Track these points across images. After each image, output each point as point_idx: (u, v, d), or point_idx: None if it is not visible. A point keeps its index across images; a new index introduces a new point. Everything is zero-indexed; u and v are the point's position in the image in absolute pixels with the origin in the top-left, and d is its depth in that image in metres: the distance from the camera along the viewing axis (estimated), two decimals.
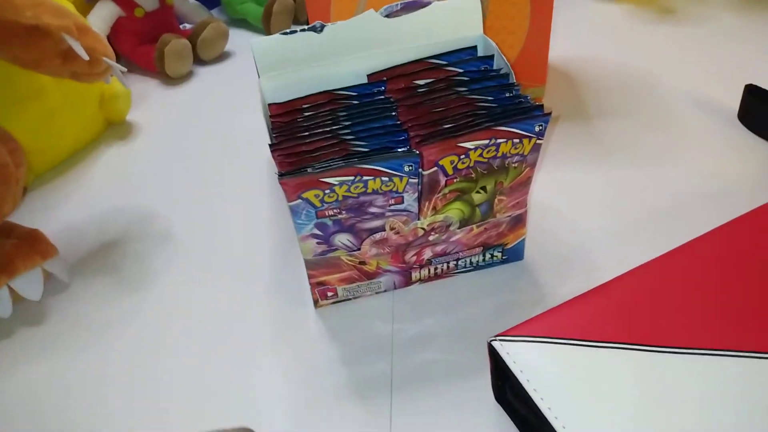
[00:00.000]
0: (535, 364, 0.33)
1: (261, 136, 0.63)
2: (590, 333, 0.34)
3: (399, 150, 0.35)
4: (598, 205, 0.50)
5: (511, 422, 0.36)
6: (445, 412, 0.37)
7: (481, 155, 0.36)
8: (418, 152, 0.35)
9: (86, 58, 0.44)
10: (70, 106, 0.59)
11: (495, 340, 0.34)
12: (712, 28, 0.72)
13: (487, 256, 0.44)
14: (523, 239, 0.44)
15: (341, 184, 0.35)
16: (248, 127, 0.65)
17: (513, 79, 0.39)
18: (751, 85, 0.56)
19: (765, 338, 0.33)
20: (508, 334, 0.34)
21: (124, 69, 0.48)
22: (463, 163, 0.36)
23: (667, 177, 0.52)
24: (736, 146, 0.55)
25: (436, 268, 0.44)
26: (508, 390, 0.35)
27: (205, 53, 0.76)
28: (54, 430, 0.38)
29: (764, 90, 0.55)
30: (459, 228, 0.41)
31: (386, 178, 0.35)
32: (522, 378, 0.32)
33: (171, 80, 0.74)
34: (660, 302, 0.35)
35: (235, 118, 0.66)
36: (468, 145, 0.35)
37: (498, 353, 0.34)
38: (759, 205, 0.41)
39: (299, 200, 0.35)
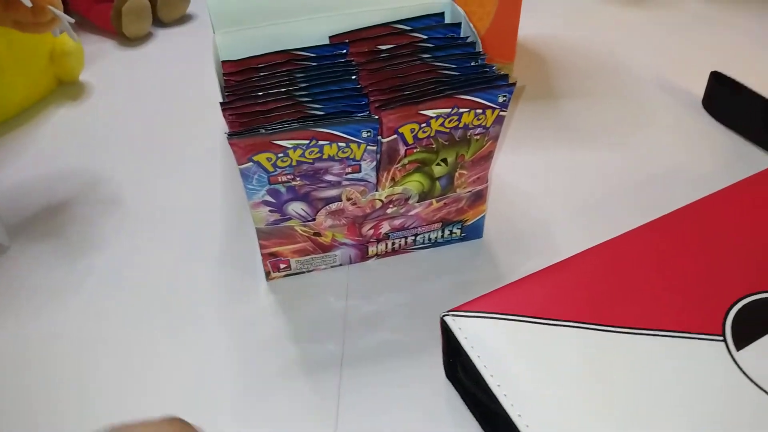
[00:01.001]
0: (486, 341, 0.32)
1: (218, 101, 0.61)
2: (544, 311, 0.33)
3: (357, 115, 0.33)
4: (558, 185, 0.49)
5: (460, 399, 0.35)
6: (395, 390, 0.36)
7: (442, 125, 0.35)
8: (377, 117, 0.33)
9: (29, 5, 0.41)
10: (17, 61, 0.56)
11: (447, 315, 0.33)
12: (681, 13, 0.72)
13: (446, 232, 0.43)
14: (483, 216, 0.43)
15: (295, 147, 0.33)
16: (206, 92, 0.62)
17: (479, 48, 0.38)
18: (716, 72, 0.56)
19: (716, 321, 0.33)
20: (461, 309, 0.33)
21: (72, 20, 0.45)
22: (423, 132, 0.35)
23: (628, 159, 0.51)
24: (698, 132, 0.55)
25: (393, 243, 0.42)
26: (458, 367, 0.35)
27: (166, 14, 0.73)
28: None
29: (729, 78, 0.55)
30: (418, 201, 0.40)
31: (343, 144, 0.34)
32: (473, 354, 0.31)
33: (128, 41, 0.71)
34: (614, 282, 0.35)
35: (193, 83, 0.64)
36: (429, 113, 0.34)
37: (450, 328, 0.33)
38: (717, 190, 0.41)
39: (250, 163, 0.33)
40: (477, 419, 0.34)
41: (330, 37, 0.40)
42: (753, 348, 0.32)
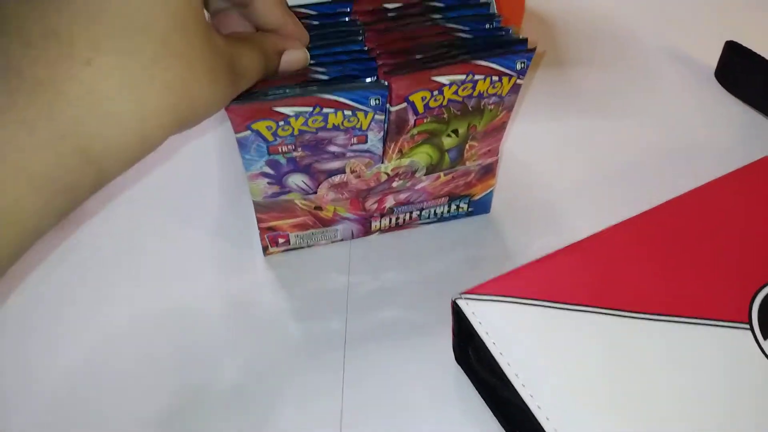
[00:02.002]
0: (501, 325, 0.30)
1: None
2: (561, 295, 0.31)
3: (366, 80, 0.31)
4: (567, 157, 0.47)
5: (470, 384, 0.33)
6: (401, 371, 0.34)
7: (456, 93, 0.32)
8: (386, 83, 0.30)
9: None
10: None
11: (460, 298, 0.31)
12: None
13: (453, 207, 0.41)
14: (492, 191, 0.41)
15: (297, 115, 0.31)
16: None
17: (494, 9, 0.35)
18: (731, 41, 0.54)
19: (742, 308, 0.31)
20: (474, 292, 0.31)
21: None
22: (435, 100, 0.32)
23: (639, 132, 0.49)
24: (711, 105, 0.52)
25: (397, 218, 0.40)
26: (470, 351, 0.33)
27: None
28: None
29: (745, 48, 0.52)
30: (425, 175, 0.37)
31: (349, 113, 0.31)
32: (488, 340, 0.30)
33: None
34: (632, 266, 0.33)
35: None
36: (443, 79, 0.31)
37: (462, 312, 0.31)
38: (736, 167, 0.39)
39: (248, 132, 0.31)
40: (487, 404, 0.32)
41: None
42: None
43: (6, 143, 0.19)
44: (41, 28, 0.20)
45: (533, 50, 0.32)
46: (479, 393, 0.33)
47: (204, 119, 0.25)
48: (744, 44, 0.52)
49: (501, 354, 0.29)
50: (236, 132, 0.31)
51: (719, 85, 0.55)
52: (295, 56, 0.30)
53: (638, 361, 0.29)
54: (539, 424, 0.27)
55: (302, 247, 0.40)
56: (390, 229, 0.41)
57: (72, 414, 0.32)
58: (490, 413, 0.32)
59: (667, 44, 0.59)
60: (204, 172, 0.46)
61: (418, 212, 0.40)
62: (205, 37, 0.23)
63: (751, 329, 0.30)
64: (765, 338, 0.30)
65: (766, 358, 0.29)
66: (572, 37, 0.59)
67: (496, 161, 0.39)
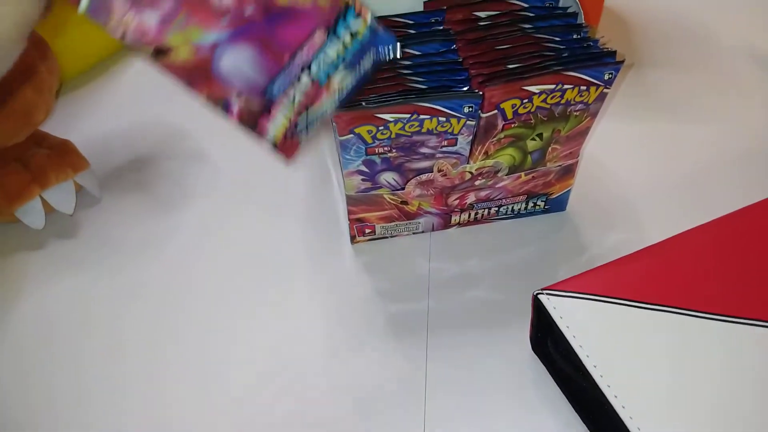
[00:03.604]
0: (581, 321, 0.32)
1: None
2: (640, 294, 0.33)
3: (461, 89, 0.33)
4: (644, 160, 0.48)
5: (546, 372, 0.36)
6: (480, 354, 0.37)
7: (544, 101, 0.34)
8: (481, 93, 0.33)
9: None
10: (89, 48, 0.57)
11: (542, 293, 0.34)
12: None
13: (530, 204, 0.43)
14: (569, 190, 0.43)
15: (396, 121, 0.33)
16: None
17: (582, 19, 0.37)
18: None
19: None
20: (555, 288, 0.34)
21: None
22: (524, 107, 0.34)
23: (717, 136, 0.50)
24: None
25: (476, 213, 0.43)
26: (549, 343, 0.35)
27: None
28: (73, 348, 0.38)
29: None
30: (507, 174, 0.40)
31: (443, 119, 0.34)
32: (568, 333, 0.32)
33: None
34: (712, 268, 0.34)
35: None
36: (533, 89, 0.33)
37: (544, 306, 0.33)
38: None
39: (351, 135, 0.34)
40: (563, 392, 0.35)
41: (425, 3, 0.39)
42: None
43: None
44: None
45: (622, 62, 0.33)
46: (555, 381, 0.35)
47: None
48: None
49: (581, 347, 0.31)
50: (340, 135, 0.34)
51: None
52: None
53: (710, 360, 0.31)
54: (615, 412, 0.29)
55: (386, 237, 0.43)
56: (468, 223, 0.43)
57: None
58: (565, 400, 0.35)
59: (747, 44, 0.58)
60: (292, 167, 0.49)
61: (497, 208, 0.43)
62: None
63: None
64: None
65: None
66: (650, 37, 0.60)
67: (576, 163, 0.41)
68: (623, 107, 0.52)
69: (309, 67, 0.26)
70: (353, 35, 0.27)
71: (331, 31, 0.26)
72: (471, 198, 0.41)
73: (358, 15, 0.27)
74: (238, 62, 0.25)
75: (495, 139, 0.36)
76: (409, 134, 0.34)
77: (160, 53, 0.25)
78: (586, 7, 0.54)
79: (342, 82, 0.26)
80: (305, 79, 0.26)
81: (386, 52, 0.28)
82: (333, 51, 0.26)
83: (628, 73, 0.55)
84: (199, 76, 0.25)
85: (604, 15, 0.60)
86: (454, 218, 0.43)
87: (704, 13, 0.62)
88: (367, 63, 0.27)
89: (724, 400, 0.29)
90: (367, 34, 0.27)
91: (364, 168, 0.37)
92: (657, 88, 0.54)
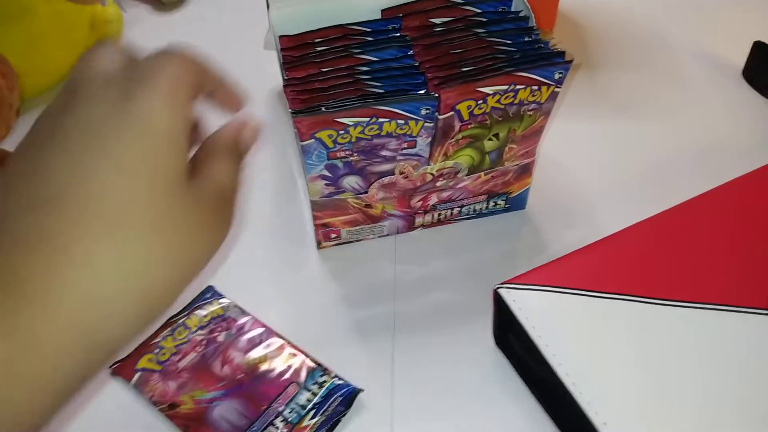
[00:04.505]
0: (540, 312, 0.33)
1: (261, 70, 0.61)
2: (595, 284, 0.34)
3: (417, 92, 0.34)
4: (599, 157, 0.50)
5: (509, 365, 0.37)
6: (445, 352, 0.38)
7: (498, 101, 0.35)
8: (436, 95, 0.34)
9: None
10: (59, 29, 0.56)
11: (501, 287, 0.35)
12: None
13: (491, 203, 0.44)
14: (528, 188, 0.44)
15: (356, 125, 0.34)
16: (247, 60, 0.62)
17: (533, 22, 0.38)
18: (759, 42, 0.55)
19: (762, 295, 0.34)
20: (514, 282, 0.35)
21: None
22: (479, 108, 0.35)
23: (670, 132, 0.52)
24: (739, 104, 0.54)
25: (439, 214, 0.44)
26: (510, 336, 0.36)
27: None
28: None
29: None
30: (467, 175, 0.41)
31: (402, 121, 0.35)
32: (527, 325, 0.33)
33: (164, 6, 0.71)
34: (663, 256, 0.36)
35: (231, 50, 0.64)
36: (487, 90, 0.34)
37: (504, 300, 0.34)
38: (762, 164, 0.41)
39: (312, 140, 0.34)
40: (527, 385, 0.36)
41: (382, 11, 0.40)
42: None
43: (11, 353, 0.20)
44: (37, 234, 0.21)
45: (571, 61, 0.35)
46: (518, 373, 0.36)
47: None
48: None
49: (539, 337, 0.32)
50: (301, 140, 0.34)
51: (747, 85, 0.57)
52: (251, 132, 0.29)
53: (665, 344, 0.32)
54: (574, 399, 0.30)
55: (352, 242, 0.44)
56: (432, 224, 0.44)
57: None
58: (528, 391, 0.36)
59: (696, 45, 0.61)
60: (257, 171, 0.49)
61: (459, 209, 0.44)
62: (190, 202, 0.23)
63: None
64: None
65: None
66: (603, 40, 0.62)
67: (533, 161, 0.42)
68: (577, 107, 0.54)
69: (282, 413, 0.34)
70: (320, 385, 0.35)
71: (302, 385, 0.35)
72: (433, 199, 0.42)
73: (324, 372, 0.35)
74: (226, 412, 0.34)
75: (453, 140, 0.37)
76: (369, 137, 0.35)
77: (172, 406, 0.34)
78: (540, 12, 0.56)
79: (312, 421, 0.33)
80: (279, 422, 0.33)
81: (350, 397, 0.35)
82: (303, 398, 0.34)
83: (582, 73, 0.57)
84: (196, 421, 0.34)
85: (559, 19, 0.63)
86: (418, 220, 0.44)
87: (654, 16, 0.64)
88: (333, 405, 0.34)
89: (679, 383, 0.31)
90: (332, 384, 0.35)
91: (326, 173, 0.37)
92: (610, 87, 0.56)
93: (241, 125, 0.29)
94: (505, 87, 0.35)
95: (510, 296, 0.34)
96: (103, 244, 0.21)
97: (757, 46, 0.56)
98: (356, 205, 0.41)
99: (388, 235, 0.44)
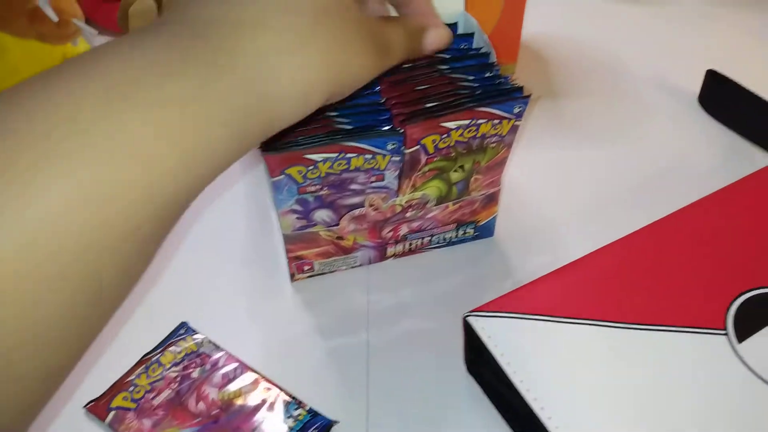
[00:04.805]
0: (508, 339, 0.34)
1: None
2: (561, 309, 0.35)
3: (384, 128, 0.35)
4: (564, 184, 0.51)
5: (482, 392, 0.38)
6: (419, 380, 0.38)
7: (461, 135, 0.37)
8: (402, 131, 0.35)
9: (55, 19, 0.42)
10: (31, 67, 0.57)
11: (470, 315, 0.35)
12: (680, 10, 0.74)
13: (460, 232, 0.45)
14: (495, 217, 0.46)
15: (325, 160, 0.35)
16: None
17: (493, 58, 0.40)
18: (712, 70, 0.58)
19: (719, 316, 0.35)
20: (482, 309, 0.36)
21: (95, 31, 0.46)
22: (444, 142, 0.37)
23: (630, 158, 0.54)
24: (696, 130, 0.57)
25: (410, 244, 0.45)
26: (481, 363, 0.37)
27: None
28: None
29: (724, 76, 0.57)
30: (435, 205, 0.42)
31: (369, 156, 0.36)
32: (496, 352, 0.34)
33: None
34: (626, 280, 0.37)
35: None
36: (450, 125, 0.36)
37: (473, 328, 0.35)
38: (718, 188, 0.43)
39: (282, 176, 0.35)
40: (499, 411, 0.37)
41: None
42: (753, 340, 0.34)
43: (199, 89, 0.23)
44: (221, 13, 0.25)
45: (529, 96, 0.36)
46: (490, 399, 0.37)
47: (353, 89, 0.29)
48: (725, 71, 0.57)
49: (508, 364, 0.33)
50: (272, 176, 0.35)
51: (703, 111, 0.59)
52: (439, 34, 0.33)
53: (629, 368, 0.33)
54: (542, 424, 0.31)
55: (325, 273, 0.44)
56: (404, 254, 0.45)
57: None
58: (501, 419, 0.36)
59: (655, 74, 0.63)
60: (230, 204, 0.50)
61: (429, 238, 0.45)
62: (353, 15, 0.28)
63: (727, 335, 0.34)
64: (740, 342, 0.34)
65: (739, 361, 0.33)
66: (565, 70, 0.64)
67: (498, 191, 0.44)
68: (542, 135, 0.56)
69: None
70: (295, 418, 0.35)
71: (276, 418, 0.35)
72: (404, 229, 0.43)
73: (299, 405, 0.36)
74: None
75: (420, 172, 0.38)
76: (338, 172, 0.36)
77: (339, 237, 0.35)
78: (504, 45, 0.58)
79: None
80: None
81: (324, 429, 0.35)
82: None
83: (545, 103, 0.59)
84: None
85: (522, 51, 0.65)
86: (390, 250, 0.45)
87: (613, 46, 0.67)
88: None
89: (644, 404, 0.32)
90: (306, 417, 0.35)
91: (297, 207, 0.38)
92: (572, 116, 0.58)
93: (433, 20, 0.33)
94: (467, 122, 0.36)
95: (479, 324, 0.35)
96: (274, 21, 0.25)
97: (710, 74, 0.58)
98: (328, 238, 0.41)
99: (360, 265, 0.45)
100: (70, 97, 0.21)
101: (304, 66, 0.26)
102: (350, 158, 0.35)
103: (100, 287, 0.22)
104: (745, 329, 0.35)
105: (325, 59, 0.26)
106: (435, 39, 0.33)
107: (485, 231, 0.46)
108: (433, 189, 0.40)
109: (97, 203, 0.20)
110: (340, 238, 0.42)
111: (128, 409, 0.35)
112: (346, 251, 0.43)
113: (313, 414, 0.35)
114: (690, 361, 0.33)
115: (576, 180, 0.52)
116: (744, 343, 0.34)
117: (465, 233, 0.46)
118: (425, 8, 0.33)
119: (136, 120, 0.21)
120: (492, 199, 0.44)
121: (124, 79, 0.22)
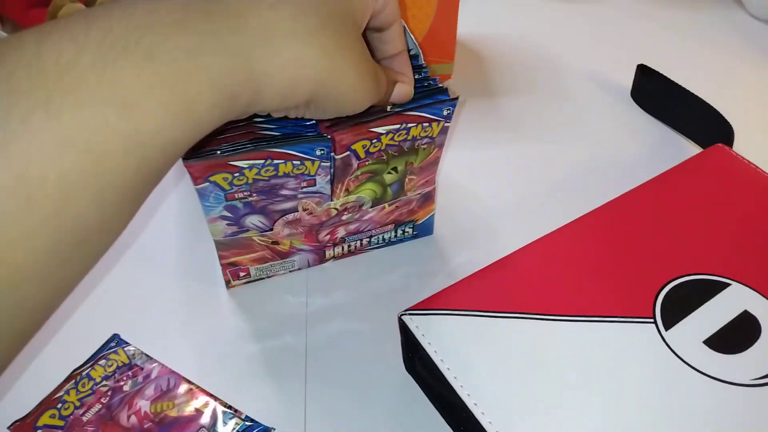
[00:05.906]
0: (442, 336, 0.35)
1: None
2: (493, 304, 0.36)
3: (309, 134, 0.35)
4: (500, 179, 0.52)
5: (421, 391, 0.38)
6: (357, 381, 0.38)
7: (392, 139, 0.37)
8: (329, 137, 0.35)
9: None
10: None
11: (405, 314, 0.36)
12: (611, 8, 0.76)
13: (399, 232, 0.46)
14: (432, 215, 0.46)
15: (251, 167, 0.35)
16: None
17: (422, 60, 0.40)
18: (642, 64, 0.60)
19: (647, 305, 0.36)
20: (416, 308, 0.36)
21: (2, 34, 0.45)
22: (375, 146, 0.37)
23: (565, 152, 0.55)
24: (628, 123, 0.58)
25: (349, 246, 0.45)
26: (417, 361, 0.37)
27: None
28: None
29: (654, 70, 0.59)
30: (371, 207, 0.42)
31: (298, 162, 0.35)
32: (430, 349, 0.34)
33: None
34: (552, 274, 0.38)
35: None
36: (380, 129, 0.36)
37: (407, 327, 0.35)
38: (646, 180, 0.44)
39: (207, 183, 0.35)
40: (437, 409, 0.37)
41: None
42: (679, 327, 0.35)
43: (198, 45, 0.24)
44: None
45: (456, 98, 0.37)
46: (428, 398, 0.37)
47: (340, 96, 0.30)
48: (655, 66, 0.59)
49: (441, 360, 0.33)
50: (195, 184, 0.35)
51: (636, 105, 0.61)
52: (405, 90, 0.35)
53: (560, 359, 0.34)
54: (476, 419, 0.31)
55: (262, 278, 0.44)
56: (343, 255, 0.45)
57: None
58: (440, 417, 0.37)
59: (588, 70, 0.65)
60: (163, 215, 0.49)
61: (368, 239, 0.45)
62: (359, 37, 0.30)
63: (655, 323, 0.35)
64: (667, 330, 0.35)
65: (667, 348, 0.34)
66: (501, 67, 0.65)
67: (434, 189, 0.44)
68: (478, 132, 0.57)
69: None
70: (231, 429, 0.35)
71: (211, 430, 0.35)
72: (341, 232, 0.43)
73: (234, 414, 0.35)
74: None
75: (353, 176, 0.38)
76: (267, 178, 0.36)
77: (275, 242, 0.37)
78: (440, 44, 0.59)
79: None
80: None
81: None
82: None
83: (481, 99, 0.60)
84: None
85: (459, 49, 0.65)
86: (329, 253, 0.44)
87: (548, 43, 0.68)
88: None
89: (579, 395, 0.32)
90: (242, 426, 0.35)
91: (227, 213, 0.38)
92: (508, 112, 0.59)
93: (404, 77, 0.36)
94: (398, 126, 0.36)
95: (413, 322, 0.35)
96: (287, 6, 0.27)
97: (641, 68, 0.60)
98: (262, 243, 0.41)
99: (300, 269, 0.45)
100: (73, 43, 0.22)
101: (300, 57, 0.27)
102: (278, 164, 0.35)
103: (85, 231, 0.23)
104: (671, 317, 0.36)
105: (324, 57, 0.28)
106: (402, 93, 0.36)
107: (424, 229, 0.47)
108: (367, 191, 0.40)
109: (79, 148, 0.21)
110: (275, 243, 0.41)
111: (56, 427, 0.34)
112: (283, 255, 0.43)
113: (250, 422, 0.35)
114: (621, 351, 0.34)
115: (512, 176, 0.52)
116: (671, 330, 0.35)
117: (404, 233, 0.46)
118: (405, 68, 0.36)
119: (132, 73, 0.22)
120: (428, 198, 0.44)
121: (129, 30, 0.23)
